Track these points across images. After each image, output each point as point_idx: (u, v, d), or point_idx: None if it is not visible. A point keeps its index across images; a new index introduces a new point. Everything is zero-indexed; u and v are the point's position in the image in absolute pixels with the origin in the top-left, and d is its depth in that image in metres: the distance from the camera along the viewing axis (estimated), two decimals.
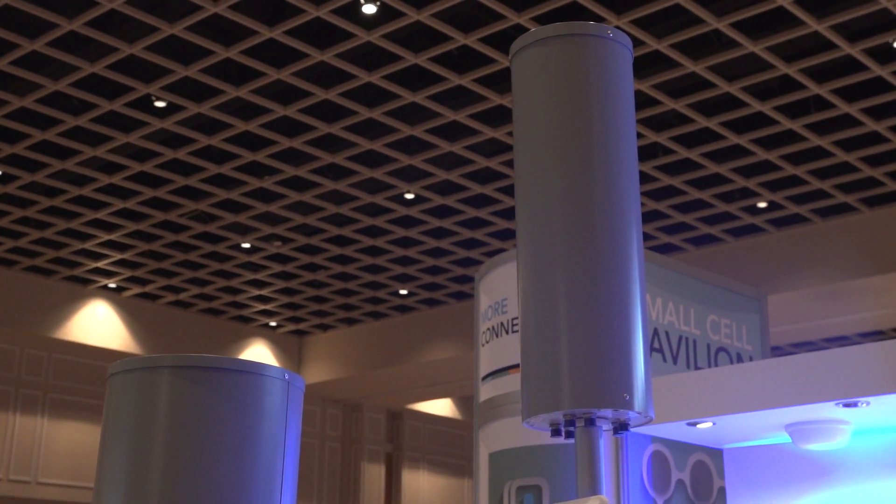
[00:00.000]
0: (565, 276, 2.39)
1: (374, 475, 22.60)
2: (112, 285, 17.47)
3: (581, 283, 2.38)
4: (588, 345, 2.35)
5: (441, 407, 23.29)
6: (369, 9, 9.70)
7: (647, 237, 14.63)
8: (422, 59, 10.46)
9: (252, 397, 3.22)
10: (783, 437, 4.25)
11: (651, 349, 4.48)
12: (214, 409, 3.16)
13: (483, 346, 4.95)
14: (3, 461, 16.53)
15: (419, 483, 23.53)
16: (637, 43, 9.84)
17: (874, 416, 3.95)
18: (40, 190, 13.85)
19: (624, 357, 2.36)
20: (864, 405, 3.82)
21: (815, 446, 4.13)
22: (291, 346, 20.04)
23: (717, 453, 4.62)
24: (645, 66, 10.49)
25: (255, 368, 3.30)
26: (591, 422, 2.41)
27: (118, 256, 16.18)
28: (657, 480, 4.42)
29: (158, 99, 11.48)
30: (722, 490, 4.60)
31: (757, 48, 10.02)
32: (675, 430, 4.29)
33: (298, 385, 3.39)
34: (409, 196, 13.94)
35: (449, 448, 23.82)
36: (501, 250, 14.73)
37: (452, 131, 12.16)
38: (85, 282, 17.41)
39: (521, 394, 2.44)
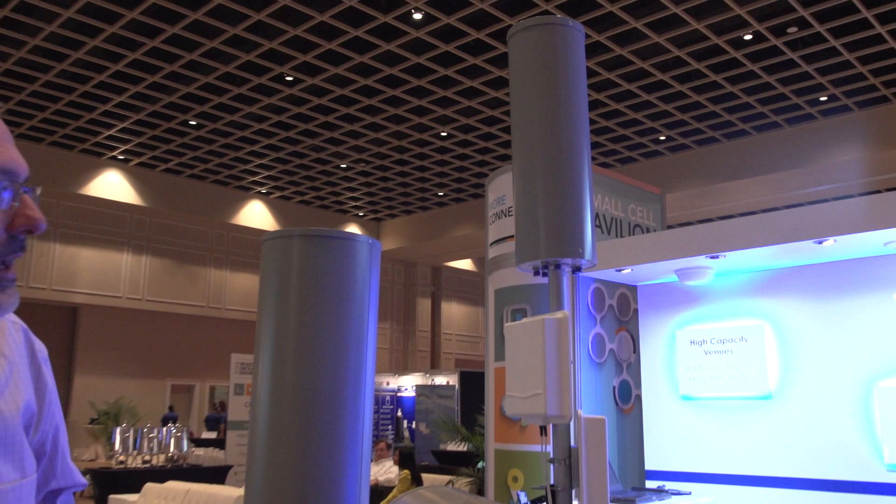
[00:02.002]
0: (542, 173, 2.38)
1: (424, 306, 22.83)
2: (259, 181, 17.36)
3: (551, 176, 2.38)
4: (556, 216, 2.35)
5: (465, 264, 23.45)
6: None
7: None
8: None
9: (350, 254, 3.24)
10: (673, 278, 4.26)
11: (595, 224, 4.47)
12: (327, 262, 3.21)
13: (490, 224, 4.95)
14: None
15: (452, 310, 23.78)
16: None
17: (728, 263, 3.95)
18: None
19: (579, 224, 2.36)
20: (722, 257, 3.82)
21: (692, 283, 4.14)
22: (372, 227, 20.12)
23: (633, 288, 4.63)
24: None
25: (352, 236, 3.33)
26: (557, 266, 2.43)
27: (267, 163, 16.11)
28: (597, 305, 4.44)
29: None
30: (636, 311, 4.63)
31: None
32: (608, 274, 4.31)
33: (377, 247, 3.40)
34: (444, 134, 13.86)
35: (470, 289, 24.02)
36: (500, 165, 14.96)
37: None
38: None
39: (515, 249, 2.44)
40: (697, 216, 15.32)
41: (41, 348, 1.34)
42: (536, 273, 2.47)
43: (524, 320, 2.34)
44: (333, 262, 3.21)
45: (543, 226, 2.36)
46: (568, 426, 2.37)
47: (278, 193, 17.83)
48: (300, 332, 3.16)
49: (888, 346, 3.72)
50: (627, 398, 4.60)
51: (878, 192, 11.84)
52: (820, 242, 3.59)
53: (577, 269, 2.50)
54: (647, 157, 14.83)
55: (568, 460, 2.33)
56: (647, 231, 5.04)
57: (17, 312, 1.24)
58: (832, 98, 11.86)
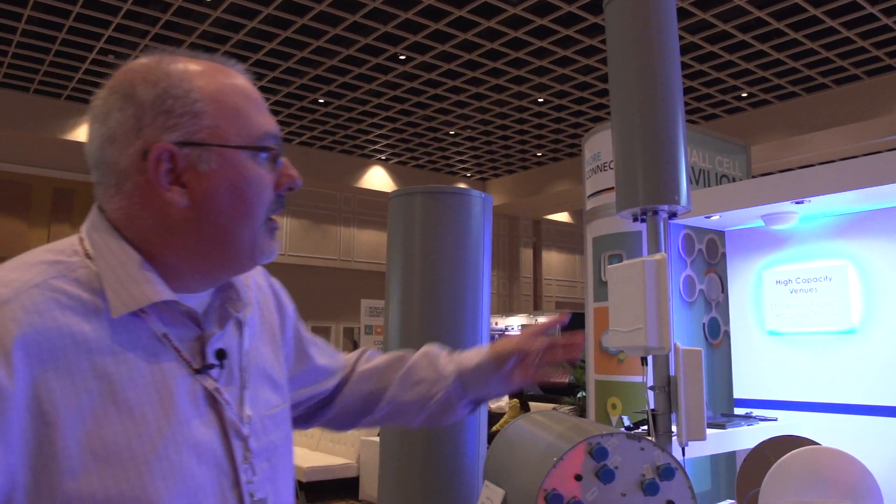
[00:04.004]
0: (640, 127, 2.32)
1: (526, 255, 22.74)
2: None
3: (648, 129, 2.31)
4: (653, 166, 2.29)
5: (562, 216, 23.16)
6: None
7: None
8: None
9: (466, 208, 3.26)
10: (759, 223, 4.09)
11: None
12: (446, 215, 3.22)
13: (588, 179, 4.86)
14: None
15: (552, 259, 23.59)
16: None
17: (812, 208, 3.77)
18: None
19: (674, 173, 2.29)
20: (807, 202, 3.65)
21: (778, 227, 3.97)
22: (479, 186, 20.06)
23: (721, 234, 4.47)
24: None
25: (467, 192, 3.33)
26: (655, 212, 2.37)
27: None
28: (687, 249, 4.32)
29: None
30: (724, 254, 4.48)
31: None
32: (697, 221, 4.17)
33: (489, 201, 3.40)
34: (540, 100, 13.64)
35: (567, 239, 23.74)
36: (592, 126, 14.67)
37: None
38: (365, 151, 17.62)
39: (616, 198, 2.39)
40: (780, 166, 14.60)
41: (287, 301, 1.39)
42: (635, 219, 2.42)
43: (625, 262, 2.30)
44: (451, 214, 3.22)
45: (642, 175, 2.30)
46: (667, 357, 2.34)
47: (396, 159, 18.04)
48: (424, 277, 3.20)
49: None
50: (716, 334, 4.49)
51: None
52: None
53: (672, 215, 2.43)
54: (730, 114, 14.20)
55: (667, 388, 2.31)
56: (734, 181, 4.84)
57: None
58: None
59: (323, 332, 19.79)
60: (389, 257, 3.24)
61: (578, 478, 1.87)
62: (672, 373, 2.30)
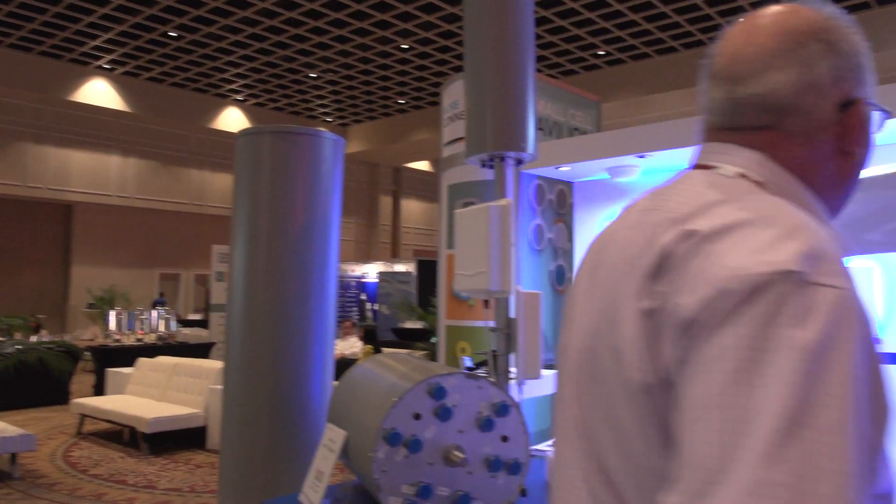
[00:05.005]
0: (491, 76, 2.34)
1: (385, 203, 22.77)
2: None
3: (498, 80, 2.33)
4: (501, 114, 2.32)
5: (423, 165, 23.27)
6: None
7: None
8: None
9: (316, 149, 3.19)
10: (605, 175, 4.27)
11: (538, 126, 4.42)
12: (295, 156, 3.14)
13: (445, 127, 4.88)
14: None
15: (410, 207, 23.75)
16: None
17: (653, 162, 3.97)
18: None
19: (521, 122, 2.34)
20: (648, 157, 3.84)
21: (621, 179, 4.16)
22: (339, 132, 19.75)
23: (569, 185, 4.64)
24: None
25: (317, 133, 3.25)
26: (502, 158, 2.41)
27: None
28: (538, 199, 4.45)
29: None
30: (571, 205, 4.65)
31: None
32: (548, 172, 4.30)
33: (341, 143, 3.34)
34: (404, 46, 13.50)
35: (427, 188, 23.93)
36: (460, 72, 14.74)
37: None
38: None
39: (465, 144, 2.42)
40: (630, 124, 15.26)
41: None
42: (483, 165, 2.46)
43: (472, 207, 2.34)
44: (301, 156, 3.15)
45: (490, 122, 2.33)
46: (508, 300, 2.40)
47: (253, 101, 17.37)
48: (271, 220, 3.12)
49: None
50: (562, 280, 4.68)
51: None
52: None
53: (519, 163, 2.48)
54: (586, 70, 14.67)
55: (507, 329, 2.38)
56: (585, 134, 5.01)
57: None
58: None
59: (172, 279, 19.03)
60: (236, 200, 3.13)
61: (417, 416, 1.92)
62: (513, 315, 2.37)
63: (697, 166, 0.95)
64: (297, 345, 3.04)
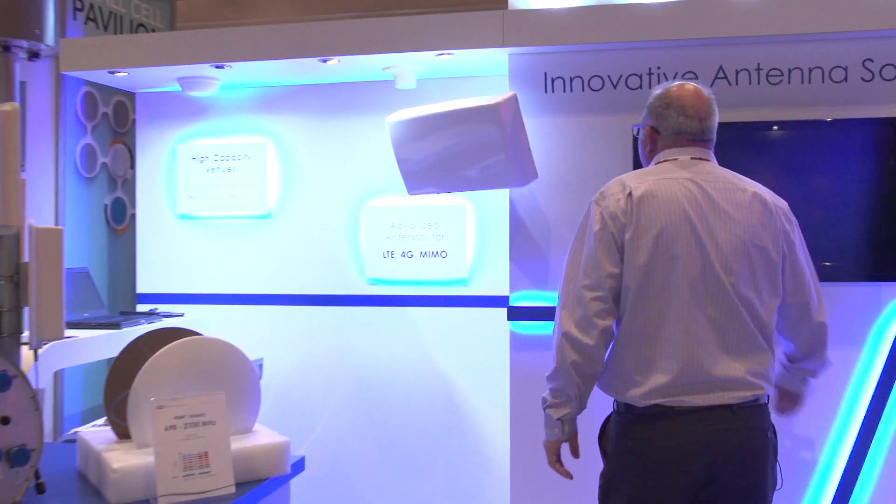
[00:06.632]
0: None
1: None
2: None
3: None
4: None
5: None
6: None
7: None
8: None
9: None
10: (176, 87, 3.57)
11: (88, 18, 3.51)
12: None
13: None
14: None
15: None
16: None
17: (234, 75, 3.42)
18: None
19: (35, 2, 1.61)
20: (228, 68, 3.27)
21: (196, 93, 3.52)
22: None
23: (132, 96, 3.82)
24: None
25: None
26: (7, 48, 1.72)
27: None
28: (88, 112, 3.57)
29: None
30: (134, 121, 3.85)
31: None
32: (101, 77, 3.45)
33: None
34: None
35: None
36: None
37: None
38: None
39: None
40: (213, 27, 14.36)
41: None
42: None
43: None
44: None
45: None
46: (16, 238, 1.73)
47: None
48: None
49: (377, 168, 3.57)
50: (121, 218, 3.89)
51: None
52: (324, 61, 3.22)
53: (34, 56, 1.82)
54: None
55: (16, 276, 1.73)
56: (153, 31, 4.20)
57: None
58: None
59: None
60: None
61: None
62: (26, 259, 1.72)
63: (700, 158, 1.99)
64: None
